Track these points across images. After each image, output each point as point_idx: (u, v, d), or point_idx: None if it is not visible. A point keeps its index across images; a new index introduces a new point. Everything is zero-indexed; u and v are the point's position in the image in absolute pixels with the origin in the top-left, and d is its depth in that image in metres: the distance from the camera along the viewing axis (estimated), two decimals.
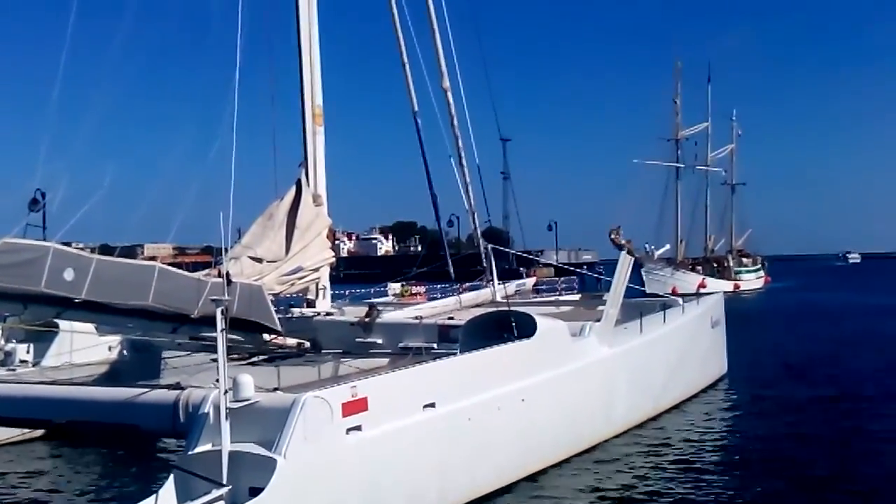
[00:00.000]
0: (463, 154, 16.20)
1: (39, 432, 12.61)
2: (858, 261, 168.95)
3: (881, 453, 11.91)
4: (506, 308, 12.08)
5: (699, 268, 66.63)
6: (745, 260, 75.50)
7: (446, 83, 16.28)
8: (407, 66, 15.12)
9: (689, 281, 56.98)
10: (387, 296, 23.50)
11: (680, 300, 17.55)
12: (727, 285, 56.16)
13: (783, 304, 48.99)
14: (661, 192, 67.69)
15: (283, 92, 14.44)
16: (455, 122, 16.28)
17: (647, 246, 59.60)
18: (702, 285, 54.44)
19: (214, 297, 7.64)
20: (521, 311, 11.89)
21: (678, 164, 69.12)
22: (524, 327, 11.22)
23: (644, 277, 50.72)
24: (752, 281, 71.72)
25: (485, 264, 16.80)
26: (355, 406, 8.11)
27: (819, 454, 12.05)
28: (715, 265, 69.98)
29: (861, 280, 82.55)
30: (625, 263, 13.93)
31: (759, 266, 76.95)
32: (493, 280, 16.86)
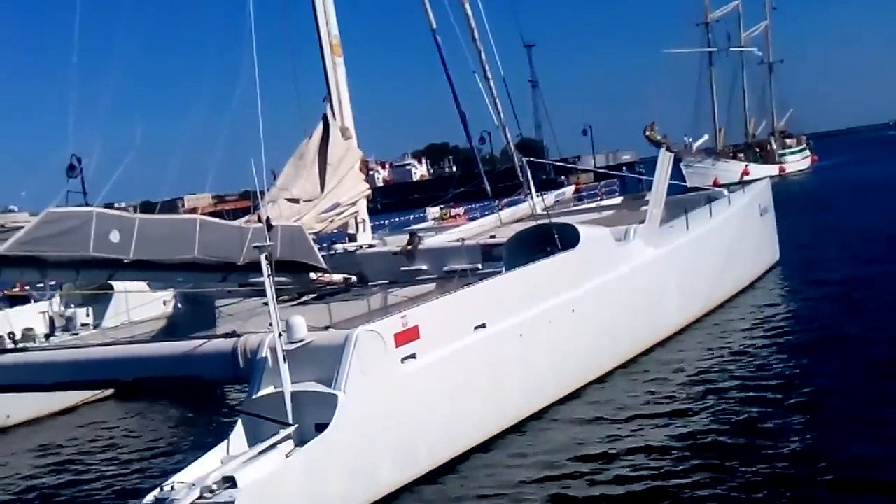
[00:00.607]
0: (487, 67, 15.79)
1: (109, 392, 13.13)
2: None
3: None
4: (546, 220, 11.96)
5: (741, 155, 64.88)
6: (788, 141, 73.11)
7: None
8: None
9: (731, 170, 55.56)
10: (426, 221, 23.46)
11: (725, 191, 17.16)
12: (772, 169, 54.75)
13: (832, 182, 47.69)
14: (694, 80, 65.26)
15: (298, 27, 14.21)
16: (476, 35, 15.82)
17: (685, 138, 57.91)
18: (745, 172, 53.11)
19: (257, 245, 7.69)
20: (562, 223, 11.78)
21: (710, 49, 66.42)
22: (567, 238, 11.12)
23: (684, 171, 49.57)
24: (799, 162, 69.84)
25: (521, 178, 16.60)
26: (407, 335, 8.20)
27: (880, 336, 11.75)
28: (758, 150, 68.11)
29: None
30: (664, 160, 13.62)
31: (804, 146, 74.60)
32: (531, 193, 16.68)
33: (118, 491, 9.07)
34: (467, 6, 15.80)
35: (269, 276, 7.50)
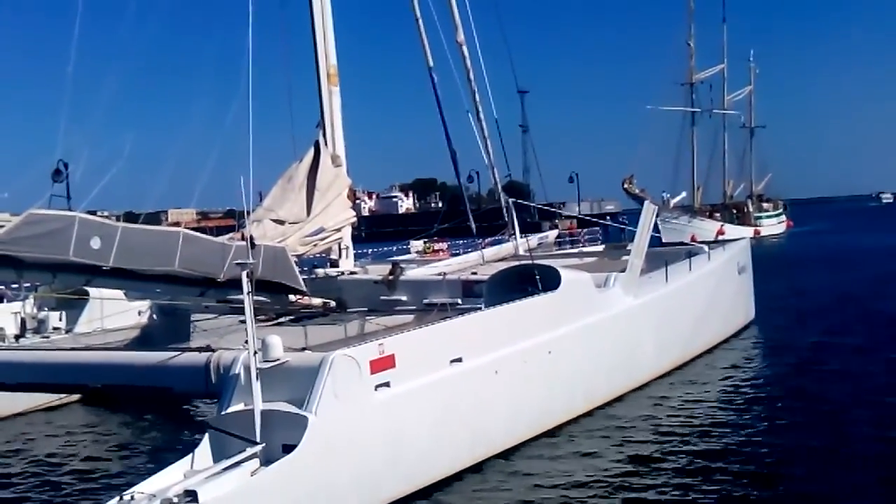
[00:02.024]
0: (480, 108, 16.03)
1: (75, 397, 12.94)
2: (891, 201, 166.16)
3: None
4: (529, 261, 12.06)
5: (717, 214, 65.39)
6: (765, 205, 74.12)
7: (461, 37, 16.02)
8: (420, 21, 14.91)
9: (706, 228, 55.72)
10: (409, 253, 23.54)
11: (706, 247, 17.38)
12: (747, 231, 54.86)
13: (805, 249, 48.14)
14: (676, 138, 65.80)
15: (297, 54, 14.39)
16: (471, 76, 16.08)
17: (663, 194, 58.38)
18: (720, 232, 53.48)
19: (239, 262, 7.70)
20: (545, 264, 11.88)
21: (693, 109, 67.19)
22: (548, 280, 11.21)
23: (660, 227, 49.90)
24: (774, 226, 70.52)
25: (506, 218, 16.75)
26: (383, 363, 8.20)
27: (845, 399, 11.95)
28: (734, 211, 68.71)
29: (891, 221, 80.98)
30: (648, 212, 13.82)
31: (781, 210, 75.64)
32: (515, 234, 16.83)
33: (77, 498, 8.91)
34: (464, 47, 16.09)
35: (248, 293, 7.49)
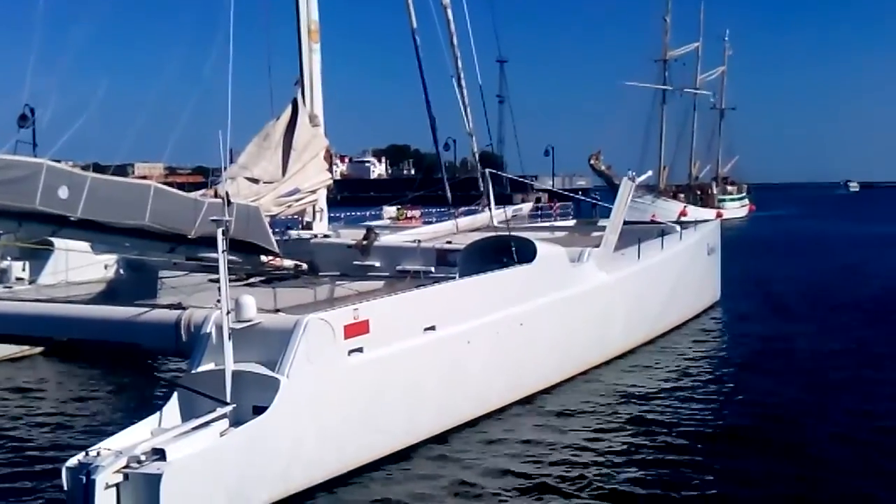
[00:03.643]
0: (462, 74, 15.85)
1: (37, 350, 12.68)
2: (858, 190, 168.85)
3: (862, 382, 12.04)
4: (506, 233, 12.01)
5: (681, 195, 64.99)
6: (729, 188, 74.15)
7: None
8: None
9: (669, 209, 54.41)
10: (381, 219, 23.38)
11: (678, 227, 17.52)
12: (709, 213, 54.68)
13: (766, 233, 48.69)
14: (646, 116, 64.80)
15: (277, 7, 14.01)
16: (455, 41, 15.87)
17: (629, 172, 57.69)
18: (683, 213, 53.17)
19: (214, 218, 7.52)
20: (521, 236, 11.84)
21: (665, 87, 65.90)
22: (524, 252, 11.18)
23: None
24: (736, 209, 70.18)
25: (482, 189, 16.67)
26: (357, 328, 8.12)
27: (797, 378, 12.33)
28: (698, 192, 68.43)
29: (855, 209, 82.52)
30: (626, 189, 13.83)
31: (744, 194, 75.71)
32: (490, 205, 16.77)
33: (41, 453, 8.73)
34: (449, 11, 15.85)
35: (223, 251, 7.33)
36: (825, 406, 10.71)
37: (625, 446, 9.02)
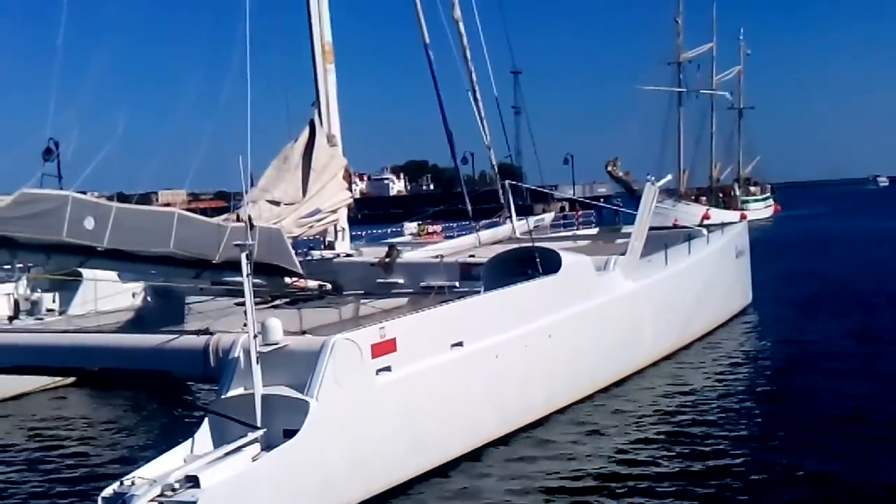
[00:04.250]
0: (477, 87, 15.88)
1: (70, 380, 12.78)
2: (888, 184, 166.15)
3: None
4: (529, 244, 11.93)
5: (703, 198, 64.10)
6: (752, 189, 73.04)
7: (458, 13, 15.87)
8: None
9: (692, 212, 53.41)
10: (403, 235, 23.41)
11: (704, 230, 17.31)
12: (733, 215, 53.78)
13: (793, 233, 48.03)
14: (663, 119, 63.95)
15: (292, 32, 14.13)
16: (468, 54, 15.92)
17: (648, 177, 56.83)
18: (706, 216, 52.46)
19: (238, 242, 7.55)
20: (546, 247, 11.76)
21: (680, 89, 65.09)
22: (548, 263, 11.09)
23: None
24: (760, 210, 69.07)
25: (503, 201, 16.63)
26: (384, 347, 8.08)
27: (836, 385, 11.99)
28: (720, 195, 67.54)
29: (885, 204, 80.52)
30: (650, 195, 13.69)
31: (768, 194, 74.53)
32: (511, 216, 16.72)
33: (75, 483, 8.75)
34: (461, 24, 15.90)
35: (248, 275, 7.34)
36: (872, 408, 10.43)
37: (666, 458, 8.83)
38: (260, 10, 11.44)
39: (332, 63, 13.87)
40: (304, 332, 8.44)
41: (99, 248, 8.88)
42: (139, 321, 12.03)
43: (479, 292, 10.59)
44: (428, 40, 15.14)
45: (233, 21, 11.01)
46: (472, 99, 15.33)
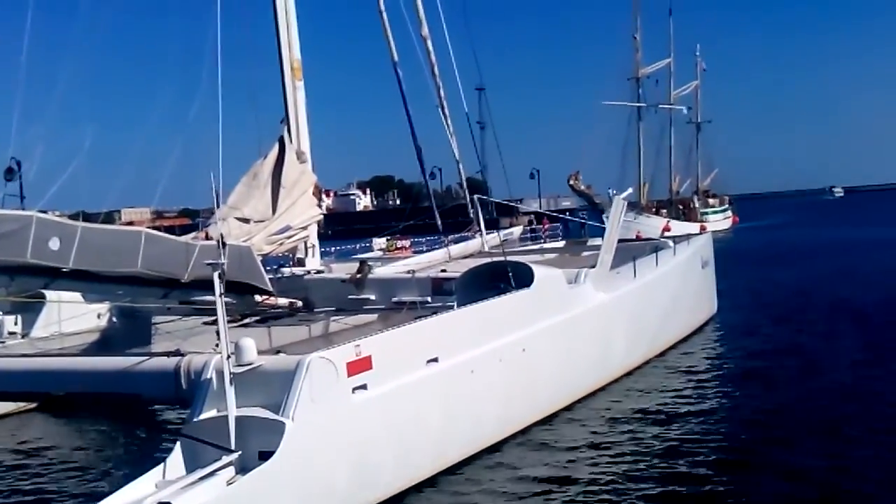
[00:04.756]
0: (445, 103, 15.93)
1: (31, 405, 12.42)
2: (842, 195, 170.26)
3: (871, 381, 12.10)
4: (500, 258, 11.94)
5: (664, 210, 65.20)
6: (711, 201, 74.46)
7: (425, 31, 15.93)
8: (384, 15, 14.74)
9: (652, 225, 54.63)
10: (372, 251, 23.31)
11: (671, 242, 17.53)
12: (693, 227, 54.18)
13: (751, 245, 48.74)
14: (624, 134, 65.38)
15: (259, 49, 14.03)
16: (436, 71, 15.98)
17: (609, 191, 57.73)
18: (666, 229, 53.08)
19: (210, 262, 7.40)
20: (517, 261, 11.78)
21: (640, 104, 66.41)
22: (521, 277, 11.12)
23: (606, 224, 49.63)
24: (720, 222, 70.38)
25: (472, 215, 16.65)
26: (360, 365, 7.99)
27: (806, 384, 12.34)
28: (680, 207, 68.70)
29: (840, 214, 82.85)
30: (618, 208, 13.83)
31: (727, 206, 76.04)
32: (481, 230, 16.74)
33: None
34: (429, 42, 15.96)
35: (220, 294, 7.21)
36: (839, 410, 10.74)
37: (644, 469, 8.87)
38: (227, 24, 11.37)
39: (301, 80, 13.80)
40: (277, 352, 8.30)
41: (64, 269, 8.65)
42: (105, 343, 11.75)
43: (452, 307, 10.56)
44: (396, 59, 15.17)
45: (201, 36, 10.91)
46: (441, 115, 15.37)
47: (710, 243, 19.25)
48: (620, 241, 14.89)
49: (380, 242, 24.50)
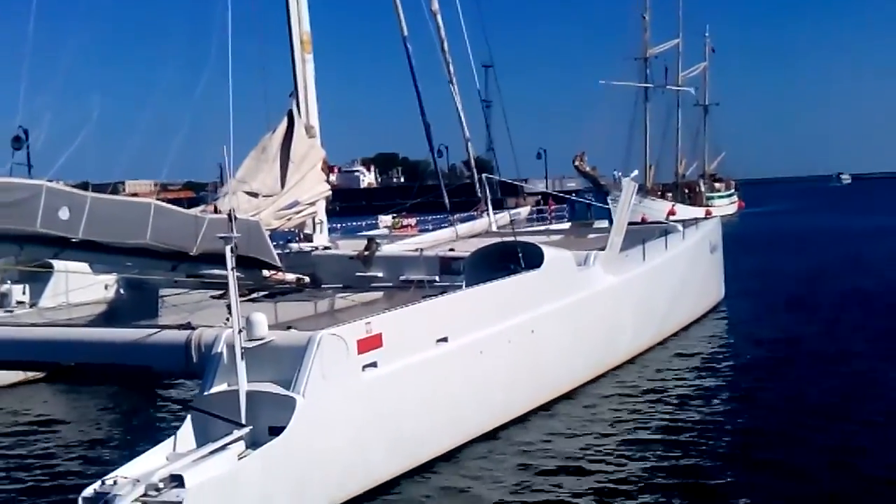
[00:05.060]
0: (454, 79, 15.80)
1: (39, 375, 12.43)
2: (850, 182, 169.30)
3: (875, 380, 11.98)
4: (509, 238, 11.88)
5: (669, 194, 64.48)
6: (717, 185, 73.45)
7: (435, 5, 15.78)
8: None
9: (657, 208, 53.61)
10: (378, 228, 23.22)
11: (680, 226, 17.43)
12: (698, 212, 52.97)
13: (755, 230, 48.43)
14: (630, 115, 64.04)
15: (268, 21, 13.86)
16: (446, 47, 15.84)
17: (614, 172, 56.88)
18: (671, 212, 52.47)
19: (222, 235, 7.35)
20: (527, 242, 11.71)
21: (647, 85, 65.19)
22: (531, 258, 11.05)
23: (611, 206, 49.53)
24: (725, 206, 69.33)
25: (480, 194, 16.57)
26: (370, 343, 7.96)
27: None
28: (686, 191, 67.92)
29: (848, 201, 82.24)
30: (629, 190, 13.72)
31: (733, 191, 75.09)
32: (489, 210, 16.67)
33: (54, 482, 8.48)
34: (439, 17, 15.80)
35: (232, 269, 7.16)
36: (846, 396, 10.73)
37: (650, 454, 8.85)
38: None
39: (311, 53, 13.65)
40: (289, 327, 8.25)
41: (73, 240, 8.59)
42: (112, 314, 11.73)
43: (460, 286, 10.51)
44: (406, 33, 15.02)
45: (207, 11, 10.76)
46: (452, 92, 15.23)
47: (718, 228, 19.17)
48: (631, 224, 14.81)
49: (386, 220, 24.37)
